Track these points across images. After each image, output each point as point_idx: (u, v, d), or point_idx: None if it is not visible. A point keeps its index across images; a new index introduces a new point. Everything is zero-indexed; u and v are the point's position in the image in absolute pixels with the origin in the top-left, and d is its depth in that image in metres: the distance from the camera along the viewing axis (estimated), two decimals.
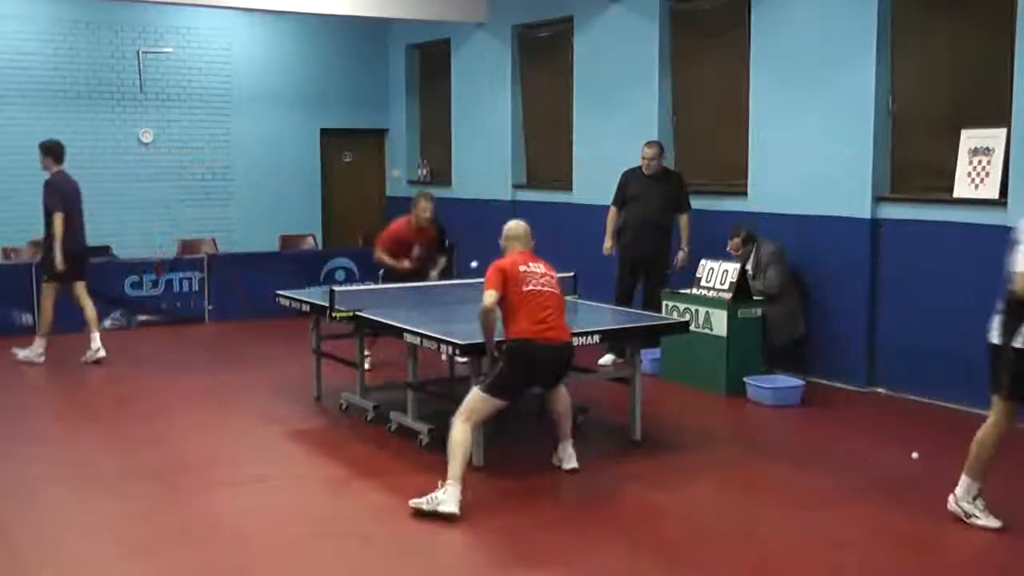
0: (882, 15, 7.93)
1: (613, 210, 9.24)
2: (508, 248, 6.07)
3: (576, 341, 6.24)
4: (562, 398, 6.06)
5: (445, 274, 9.21)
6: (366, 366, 8.66)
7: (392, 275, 8.87)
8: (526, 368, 5.72)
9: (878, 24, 7.92)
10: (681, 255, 9.07)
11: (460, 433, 5.48)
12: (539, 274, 5.85)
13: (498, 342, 5.79)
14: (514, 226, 6.18)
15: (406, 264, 8.79)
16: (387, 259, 8.84)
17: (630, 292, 9.13)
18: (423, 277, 8.83)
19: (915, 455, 6.44)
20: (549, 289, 5.83)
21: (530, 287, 5.75)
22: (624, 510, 5.52)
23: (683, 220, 9.11)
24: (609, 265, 9.32)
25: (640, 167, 9.09)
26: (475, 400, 5.65)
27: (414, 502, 5.32)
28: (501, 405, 5.73)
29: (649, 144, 9.04)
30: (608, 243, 9.22)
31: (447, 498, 5.24)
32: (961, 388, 7.52)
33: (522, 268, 5.82)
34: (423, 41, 13.77)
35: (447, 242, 9.24)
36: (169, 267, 11.46)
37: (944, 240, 7.63)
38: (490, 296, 5.67)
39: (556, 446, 6.17)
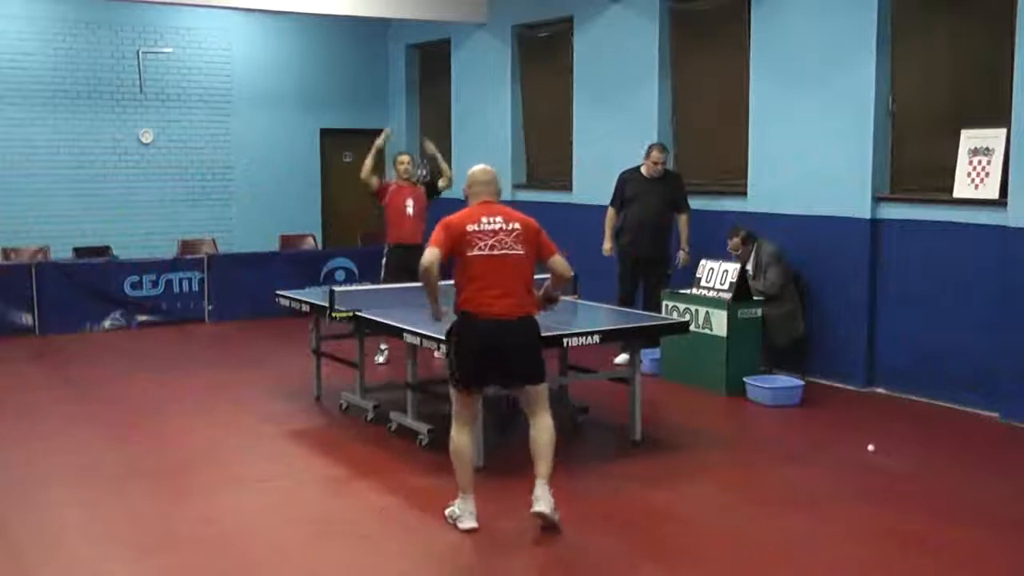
0: (882, 15, 7.93)
1: (611, 211, 9.22)
2: (471, 198, 5.32)
3: (576, 341, 6.25)
4: (542, 429, 5.21)
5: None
6: (381, 360, 8.79)
7: (391, 261, 9.01)
8: (468, 348, 5.12)
9: (878, 24, 7.92)
10: (682, 255, 9.05)
11: (453, 440, 5.22)
12: (492, 232, 5.11)
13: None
14: (478, 171, 5.38)
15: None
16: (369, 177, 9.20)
17: (632, 293, 9.11)
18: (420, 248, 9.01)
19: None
20: (501, 252, 5.10)
21: (475, 251, 5.08)
22: (624, 510, 5.51)
23: (682, 220, 9.10)
24: (610, 265, 9.32)
25: (638, 168, 9.08)
26: (452, 398, 5.27)
27: (446, 512, 5.26)
28: (471, 398, 5.23)
29: (660, 148, 8.98)
30: (607, 244, 9.21)
31: (461, 514, 5.17)
32: (961, 388, 7.53)
33: (471, 227, 5.10)
34: (423, 41, 13.77)
35: (434, 196, 9.45)
36: (169, 266, 11.46)
37: (944, 240, 7.63)
38: (429, 254, 5.06)
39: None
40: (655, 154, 8.94)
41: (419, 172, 14.00)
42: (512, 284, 5.13)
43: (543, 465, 5.18)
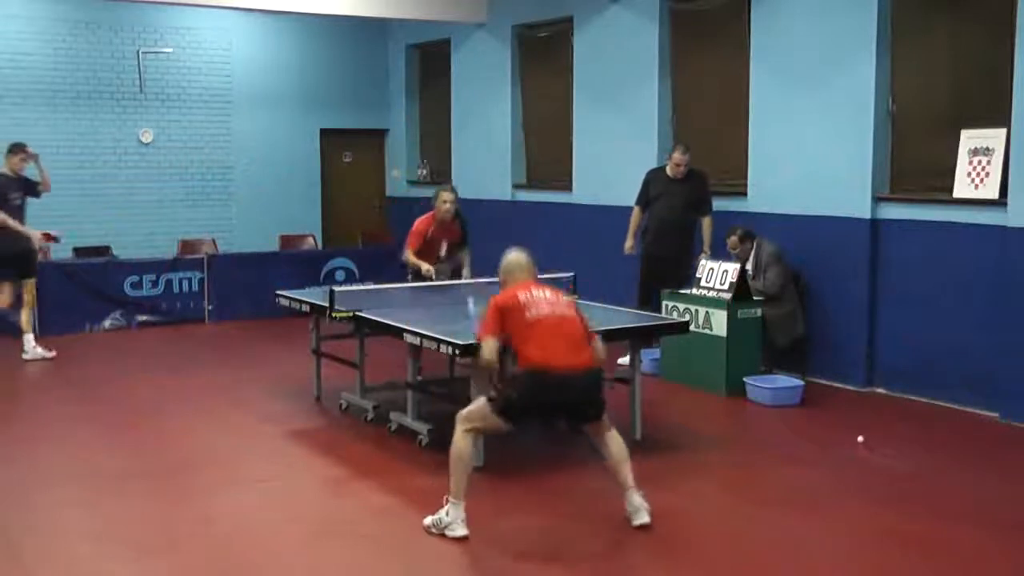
0: (882, 15, 7.94)
1: (636, 210, 9.16)
2: (508, 284, 5.46)
3: None
4: (612, 443, 5.26)
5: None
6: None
7: (420, 275, 8.74)
8: (538, 399, 5.14)
9: (878, 24, 7.93)
10: (703, 258, 8.89)
11: (462, 444, 5.09)
12: (545, 299, 5.25)
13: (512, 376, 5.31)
14: (513, 259, 5.52)
15: (425, 267, 8.43)
16: (412, 260, 8.51)
17: (651, 295, 8.93)
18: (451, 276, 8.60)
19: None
20: (560, 312, 5.23)
21: (534, 313, 5.16)
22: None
23: (705, 222, 8.95)
24: (609, 266, 9.32)
25: (664, 167, 9.04)
26: (481, 412, 5.17)
27: (427, 522, 5.15)
28: (506, 428, 5.23)
29: (681, 150, 8.87)
30: (629, 242, 9.14)
31: (452, 521, 5.07)
32: (961, 388, 7.53)
33: (523, 296, 5.23)
34: (423, 41, 13.77)
35: (466, 237, 8.98)
36: (169, 267, 11.46)
37: (944, 240, 7.63)
38: (487, 348, 5.20)
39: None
40: (676, 156, 8.87)
41: (420, 171, 14.08)
42: (573, 340, 5.19)
43: (627, 475, 5.24)
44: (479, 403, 5.25)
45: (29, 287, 9.60)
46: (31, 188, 9.71)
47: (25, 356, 9.39)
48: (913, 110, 7.94)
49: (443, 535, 5.06)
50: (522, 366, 5.18)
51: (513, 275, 5.47)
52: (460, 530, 5.06)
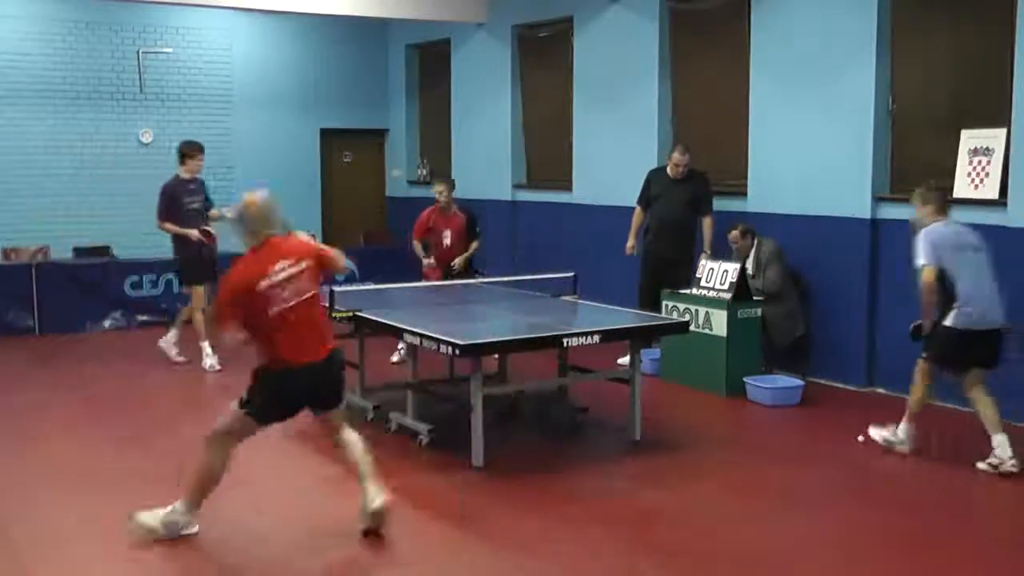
0: (882, 15, 7.94)
1: (638, 210, 9.16)
2: (248, 238, 4.96)
3: (576, 341, 6.25)
4: (355, 442, 5.22)
5: (468, 261, 9.30)
6: (395, 359, 8.87)
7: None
8: (284, 396, 5.05)
9: (878, 24, 7.93)
10: (703, 258, 8.87)
11: (212, 456, 5.01)
12: (287, 278, 4.85)
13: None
14: (254, 208, 4.92)
15: (430, 261, 9.09)
16: (418, 250, 9.15)
17: (650, 295, 8.87)
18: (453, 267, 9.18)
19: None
20: (300, 299, 4.88)
21: (276, 308, 4.84)
22: (624, 510, 5.52)
23: (705, 223, 8.92)
24: (609, 266, 9.31)
25: (665, 167, 9.05)
26: (233, 419, 5.04)
27: (152, 523, 5.03)
28: (258, 428, 5.14)
29: (680, 150, 8.86)
30: (631, 242, 9.14)
31: (185, 523, 5.08)
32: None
33: (263, 284, 4.81)
34: (423, 41, 13.77)
35: (477, 228, 9.37)
36: (169, 266, 11.44)
37: None
38: (228, 340, 4.98)
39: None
40: (676, 156, 8.87)
41: (420, 171, 14.08)
42: (315, 326, 5.02)
43: (370, 470, 5.12)
44: (231, 412, 5.08)
45: (200, 293, 9.22)
46: (208, 198, 9.33)
47: (205, 366, 9.10)
48: (913, 110, 7.94)
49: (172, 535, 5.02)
50: (267, 361, 4.99)
51: (257, 233, 4.93)
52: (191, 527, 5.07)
